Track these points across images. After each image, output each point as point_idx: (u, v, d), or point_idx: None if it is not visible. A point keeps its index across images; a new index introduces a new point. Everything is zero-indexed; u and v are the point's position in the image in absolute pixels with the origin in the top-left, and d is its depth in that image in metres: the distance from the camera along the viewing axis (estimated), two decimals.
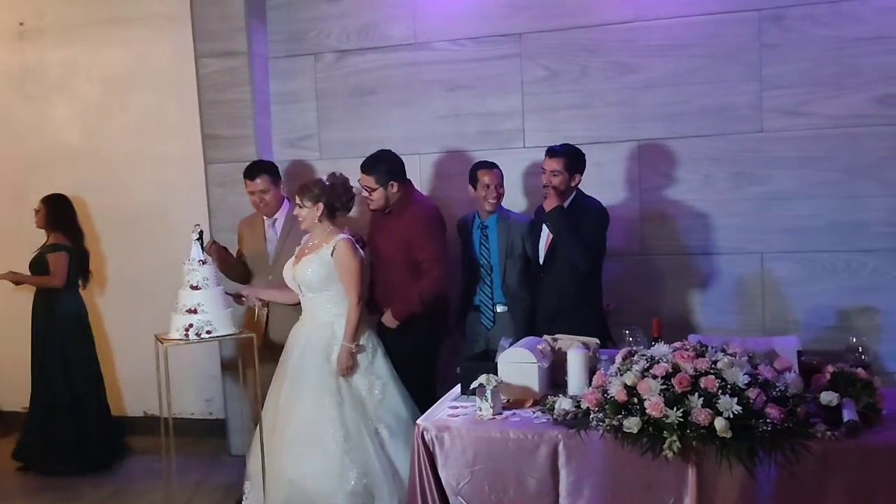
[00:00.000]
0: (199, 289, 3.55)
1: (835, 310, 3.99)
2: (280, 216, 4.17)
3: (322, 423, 3.50)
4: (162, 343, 3.54)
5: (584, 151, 3.66)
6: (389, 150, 3.91)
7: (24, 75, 5.42)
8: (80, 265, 4.82)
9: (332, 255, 3.57)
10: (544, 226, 3.69)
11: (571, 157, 3.60)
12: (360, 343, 3.62)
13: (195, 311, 3.51)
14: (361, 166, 3.86)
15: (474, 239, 3.98)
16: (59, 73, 5.36)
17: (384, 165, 3.82)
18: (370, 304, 3.92)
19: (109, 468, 4.68)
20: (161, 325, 3.63)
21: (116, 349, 5.34)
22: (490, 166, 3.92)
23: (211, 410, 5.20)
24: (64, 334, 4.73)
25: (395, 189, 3.83)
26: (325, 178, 3.68)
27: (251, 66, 4.63)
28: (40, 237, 5.41)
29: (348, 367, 3.56)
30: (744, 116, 4.07)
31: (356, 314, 3.58)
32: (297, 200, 3.62)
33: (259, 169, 4.12)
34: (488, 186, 3.88)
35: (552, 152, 3.64)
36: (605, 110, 4.25)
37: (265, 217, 4.18)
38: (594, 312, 3.66)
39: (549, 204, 3.59)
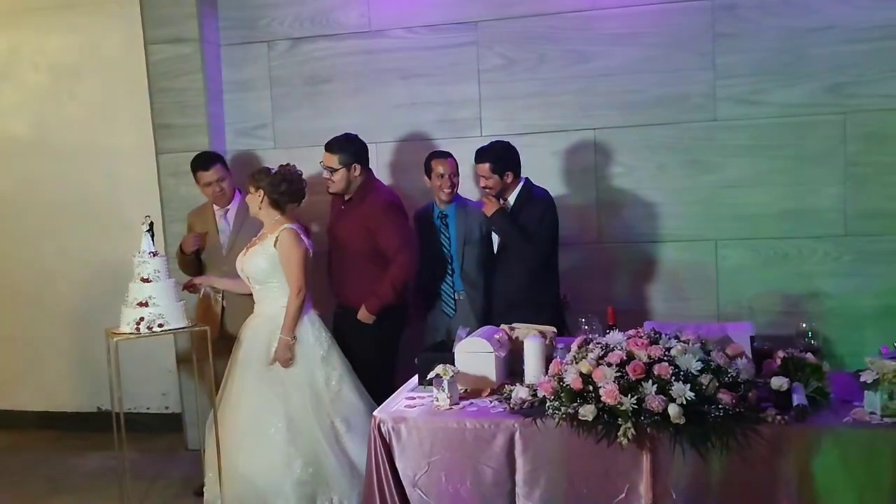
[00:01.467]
0: (150, 281, 3.47)
1: (786, 295, 4.07)
2: (232, 207, 4.11)
3: (265, 414, 3.50)
4: (112, 338, 3.46)
5: (511, 144, 3.66)
6: (356, 135, 3.88)
7: None
8: None
9: (275, 245, 3.56)
10: None
11: (496, 159, 3.61)
12: (296, 336, 3.57)
13: (146, 305, 3.43)
14: (326, 145, 3.81)
15: (436, 229, 3.96)
16: (2, 60, 5.18)
17: (350, 147, 3.80)
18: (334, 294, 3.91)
19: None
20: (115, 319, 3.55)
21: (66, 344, 5.21)
22: (444, 156, 3.91)
23: (167, 404, 5.12)
24: None
25: (357, 172, 3.80)
26: (275, 167, 3.67)
27: (203, 53, 4.53)
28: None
29: (287, 359, 3.53)
30: (698, 105, 4.11)
31: (296, 305, 3.56)
32: (248, 187, 3.64)
33: (213, 158, 4.07)
34: (442, 176, 3.87)
35: (477, 156, 3.67)
36: (562, 98, 4.26)
37: (217, 208, 4.11)
38: (549, 302, 3.68)
39: (489, 209, 3.65)
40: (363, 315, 3.80)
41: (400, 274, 3.76)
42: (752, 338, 2.80)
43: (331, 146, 3.80)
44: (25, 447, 5.00)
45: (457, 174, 3.89)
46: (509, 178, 3.61)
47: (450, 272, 3.94)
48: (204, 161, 4.05)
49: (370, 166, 3.93)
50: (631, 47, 4.16)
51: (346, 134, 3.87)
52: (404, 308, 3.97)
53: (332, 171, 3.79)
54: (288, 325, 3.54)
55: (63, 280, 5.17)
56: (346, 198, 3.89)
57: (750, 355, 2.66)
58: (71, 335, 5.17)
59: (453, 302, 3.94)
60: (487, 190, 3.64)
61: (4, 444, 5.06)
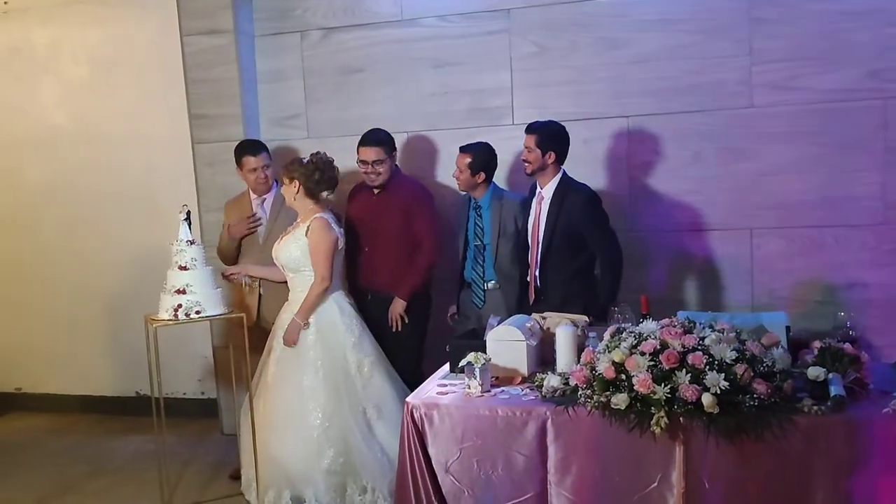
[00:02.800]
0: (188, 269, 3.54)
1: (823, 285, 4.00)
2: (269, 196, 4.16)
3: (302, 402, 3.55)
4: (151, 324, 3.53)
5: (565, 130, 3.62)
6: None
7: (11, 56, 5.35)
8: None
9: (306, 234, 3.61)
10: (534, 204, 3.67)
11: (545, 135, 3.57)
12: (309, 322, 3.63)
13: (184, 292, 3.50)
14: (368, 140, 3.91)
15: (469, 218, 3.99)
16: (45, 53, 5.29)
17: (389, 138, 3.97)
18: (356, 284, 3.99)
19: None
20: (152, 306, 3.62)
21: (107, 331, 5.32)
22: (462, 149, 3.91)
23: (203, 390, 5.21)
24: None
25: (394, 163, 3.99)
26: (307, 156, 3.71)
27: (237, 43, 4.59)
28: (34, 222, 5.39)
29: (293, 341, 3.59)
30: (733, 92, 4.04)
31: (316, 293, 3.61)
32: (281, 177, 3.69)
33: (259, 145, 4.14)
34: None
35: (527, 128, 3.64)
36: (595, 86, 4.22)
37: (254, 196, 4.16)
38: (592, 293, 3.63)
39: None
40: (398, 306, 3.90)
41: (428, 259, 3.92)
42: (787, 328, 2.77)
43: (375, 140, 3.92)
44: (68, 430, 5.14)
45: (470, 168, 3.86)
46: (550, 159, 3.57)
47: (480, 262, 3.95)
48: (252, 146, 4.11)
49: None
50: (665, 34, 4.11)
51: (378, 129, 3.98)
52: (430, 294, 4.07)
53: (379, 162, 3.90)
54: (304, 309, 3.60)
55: (103, 267, 5.28)
56: (376, 189, 3.98)
57: (786, 345, 2.63)
58: (111, 321, 5.29)
59: (482, 293, 3.95)
60: (527, 164, 3.62)
61: (48, 427, 5.21)
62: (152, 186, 5.09)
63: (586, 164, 4.20)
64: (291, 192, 3.68)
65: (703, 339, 2.46)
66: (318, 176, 3.65)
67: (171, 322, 3.50)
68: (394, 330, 3.93)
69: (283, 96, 4.72)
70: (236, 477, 3.93)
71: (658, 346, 2.46)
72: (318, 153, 3.72)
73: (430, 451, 2.63)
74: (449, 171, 4.08)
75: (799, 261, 4.04)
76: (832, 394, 2.38)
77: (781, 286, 4.08)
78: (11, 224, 5.45)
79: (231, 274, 3.89)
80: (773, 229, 4.06)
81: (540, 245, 3.61)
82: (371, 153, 3.90)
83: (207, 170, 4.70)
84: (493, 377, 2.78)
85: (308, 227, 3.63)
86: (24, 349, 5.52)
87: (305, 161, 3.68)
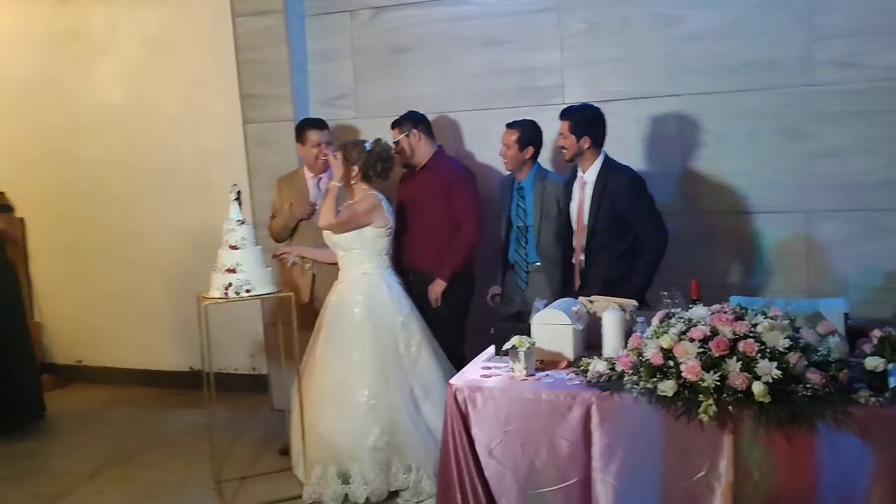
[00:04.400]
0: (238, 248, 3.59)
1: (885, 271, 3.85)
2: (325, 176, 4.18)
3: (349, 380, 3.58)
4: (202, 302, 3.61)
5: (601, 113, 3.54)
6: (414, 110, 4.12)
7: (69, 38, 5.48)
8: None
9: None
10: (576, 188, 3.62)
11: (579, 120, 3.51)
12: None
13: (234, 271, 3.55)
14: (391, 125, 4.02)
15: (512, 199, 3.96)
16: (102, 34, 5.41)
17: (405, 118, 4.05)
18: (399, 264, 4.03)
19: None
20: (203, 283, 3.70)
21: (161, 307, 5.47)
22: (509, 125, 3.88)
23: (254, 366, 5.32)
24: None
25: (417, 139, 4.00)
26: (369, 142, 3.73)
27: (287, 24, 4.61)
28: (92, 200, 5.54)
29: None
30: (792, 69, 3.90)
31: (321, 224, 3.66)
32: (338, 155, 3.71)
33: (325, 122, 4.19)
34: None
35: (561, 114, 3.59)
36: (647, 64, 4.12)
37: (310, 175, 4.19)
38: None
39: None
40: (437, 286, 3.92)
41: (469, 239, 3.92)
42: (845, 315, 2.68)
43: (392, 124, 4.06)
44: (125, 402, 5.32)
45: (518, 144, 3.83)
46: (586, 144, 3.51)
47: (523, 243, 3.92)
48: (317, 121, 4.18)
49: (435, 140, 4.09)
50: (720, 9, 3.97)
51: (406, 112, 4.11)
52: (472, 275, 4.07)
53: (397, 143, 3.99)
54: (329, 198, 3.64)
55: (158, 245, 5.42)
56: (418, 168, 4.05)
57: (843, 333, 2.55)
58: (166, 298, 5.43)
59: (525, 275, 3.93)
60: (564, 150, 3.57)
61: (107, 399, 5.40)
62: (204, 166, 5.18)
63: (638, 144, 4.14)
64: (347, 175, 3.70)
65: (754, 325, 2.40)
66: (379, 167, 3.69)
67: (221, 300, 3.56)
68: (434, 307, 3.93)
69: (332, 76, 4.74)
70: (285, 452, 4.02)
71: (708, 333, 2.40)
72: (379, 141, 3.75)
73: (474, 433, 2.62)
74: (496, 151, 4.04)
75: (859, 245, 3.89)
76: (891, 385, 2.30)
77: (840, 272, 3.94)
78: (71, 203, 5.63)
79: (282, 253, 3.94)
80: (833, 212, 3.92)
81: (585, 229, 3.56)
82: (392, 136, 4.00)
83: (258, 149, 4.76)
84: (537, 361, 2.76)
85: (359, 200, 3.68)
86: (84, 324, 5.72)
87: (368, 148, 3.69)
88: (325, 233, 3.77)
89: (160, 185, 5.32)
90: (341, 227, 3.64)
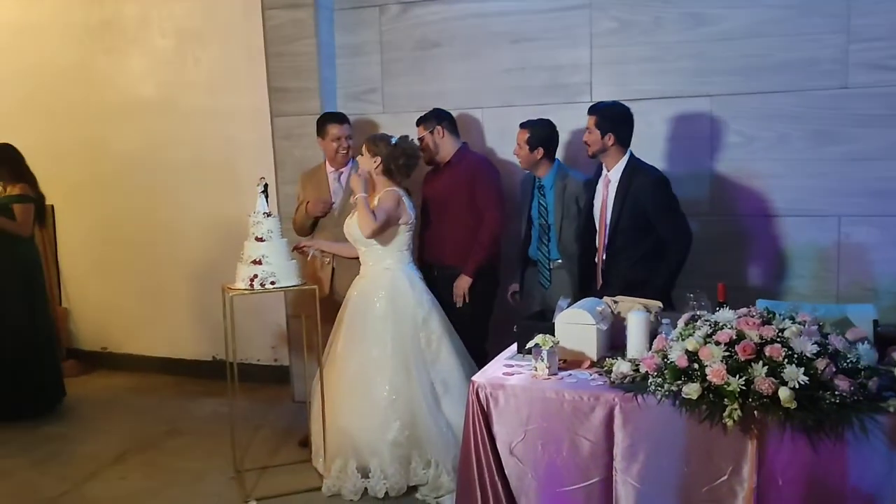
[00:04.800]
0: (264, 241, 3.61)
1: None
2: (346, 169, 4.20)
3: (370, 374, 3.60)
4: (228, 292, 3.64)
5: (629, 112, 3.50)
6: (439, 108, 4.13)
7: (103, 28, 5.55)
8: (39, 214, 4.85)
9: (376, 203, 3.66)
10: (600, 186, 3.59)
11: (605, 116, 3.47)
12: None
13: (260, 263, 3.58)
14: (416, 122, 4.04)
15: (533, 197, 3.96)
16: (134, 25, 5.47)
17: (431, 115, 4.05)
18: (422, 259, 4.06)
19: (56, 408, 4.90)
20: (228, 274, 3.73)
21: (186, 296, 5.52)
22: (522, 125, 3.86)
23: (276, 357, 5.36)
24: (28, 280, 4.79)
25: (441, 136, 4.00)
26: (396, 137, 3.74)
27: (317, 17, 4.62)
28: (120, 189, 5.61)
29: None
30: (827, 71, 3.84)
31: (363, 224, 3.59)
32: (363, 149, 3.73)
33: (345, 116, 4.21)
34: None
35: (589, 109, 3.55)
36: (678, 64, 4.08)
37: (331, 170, 4.21)
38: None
39: None
40: (463, 282, 3.91)
41: (490, 231, 3.92)
42: (874, 322, 2.63)
43: (417, 121, 4.07)
44: (149, 390, 5.38)
45: (529, 143, 3.82)
46: (610, 141, 3.47)
47: (545, 241, 3.91)
48: (337, 115, 4.20)
49: (459, 137, 4.10)
50: (754, 9, 3.93)
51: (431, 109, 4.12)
52: (497, 271, 4.06)
53: (421, 139, 4.01)
54: (361, 206, 3.58)
55: (183, 235, 5.47)
56: (442, 164, 4.07)
57: (872, 340, 2.50)
58: (191, 288, 5.49)
59: (549, 272, 3.91)
60: (587, 145, 3.54)
61: (131, 386, 5.47)
62: (232, 158, 5.22)
63: (666, 144, 4.10)
64: (371, 166, 3.72)
65: (782, 330, 2.36)
66: (402, 161, 3.70)
67: (246, 291, 3.59)
68: (458, 306, 3.93)
69: (360, 70, 4.75)
70: (305, 444, 4.04)
71: (734, 337, 2.37)
72: (406, 138, 3.77)
73: (495, 430, 2.61)
74: None
75: (891, 251, 3.83)
76: None
77: (870, 277, 3.88)
78: (99, 191, 5.70)
79: (303, 246, 3.96)
80: (865, 217, 3.86)
81: (607, 228, 3.54)
82: (417, 133, 4.02)
83: (285, 143, 4.78)
84: (561, 360, 2.74)
85: (380, 197, 3.67)
86: (110, 311, 5.80)
87: (394, 143, 3.71)
88: (346, 228, 3.78)
89: (188, 176, 5.37)
90: (382, 230, 3.64)
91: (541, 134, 3.83)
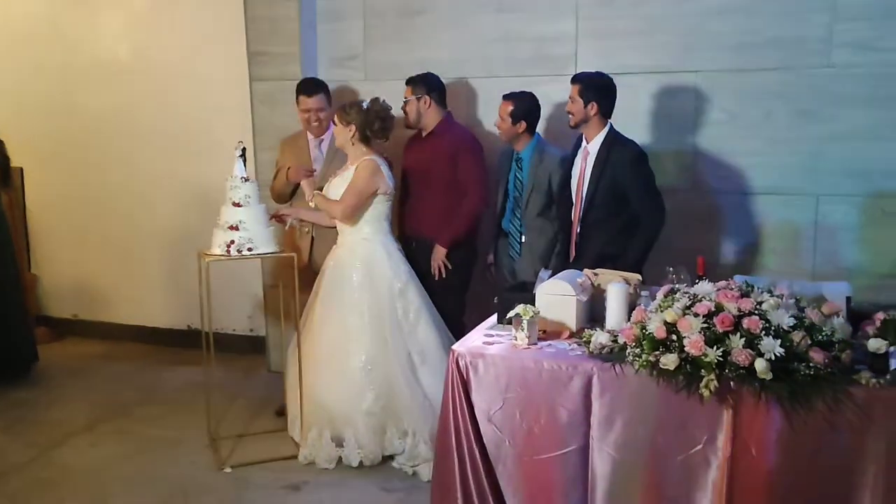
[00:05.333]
0: (241, 206, 3.56)
1: (892, 257, 3.83)
2: (326, 137, 4.15)
3: (345, 344, 3.59)
4: (204, 258, 3.58)
5: (613, 83, 3.49)
6: (434, 74, 4.01)
7: None
8: (3, 174, 4.73)
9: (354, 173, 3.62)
10: (579, 158, 3.58)
11: (589, 85, 3.45)
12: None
13: (237, 228, 3.53)
14: (406, 80, 3.97)
15: (511, 170, 3.95)
16: None
17: (423, 80, 3.96)
18: (402, 231, 4.03)
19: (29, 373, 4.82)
20: (205, 242, 3.67)
21: (160, 264, 5.45)
22: (505, 97, 3.84)
23: (251, 327, 5.31)
24: None
25: (427, 105, 3.94)
26: (366, 101, 3.67)
27: None
28: (93, 153, 5.48)
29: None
30: (811, 50, 3.84)
31: (333, 214, 3.65)
32: (335, 118, 3.69)
33: (318, 86, 4.10)
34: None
35: (572, 78, 3.54)
36: (665, 38, 4.06)
37: (311, 137, 4.15)
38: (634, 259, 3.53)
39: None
40: (439, 253, 3.89)
41: (473, 208, 3.88)
42: (848, 298, 2.66)
43: (407, 80, 3.98)
44: (121, 358, 5.31)
45: (512, 116, 3.80)
46: (592, 110, 3.45)
47: (518, 214, 3.91)
48: (309, 86, 4.09)
49: (446, 107, 4.03)
50: None
51: (425, 73, 4.00)
52: (475, 245, 4.05)
53: (406, 102, 3.94)
54: (320, 199, 3.66)
55: (158, 201, 5.38)
56: (425, 134, 4.00)
57: (846, 316, 2.53)
58: (165, 255, 5.41)
59: (518, 245, 3.92)
60: (570, 115, 3.52)
61: (103, 354, 5.40)
62: (209, 122, 5.12)
63: (650, 119, 4.09)
64: (346, 135, 3.67)
65: (760, 303, 2.38)
66: (377, 125, 3.64)
67: (223, 257, 3.54)
68: (437, 278, 3.91)
69: (342, 36, 4.66)
70: (281, 413, 4.03)
71: (713, 309, 2.38)
72: (377, 100, 3.70)
73: (474, 399, 2.62)
74: None
75: (868, 231, 3.87)
76: (892, 367, 2.29)
77: (846, 256, 3.92)
78: (71, 155, 5.57)
79: (282, 214, 3.91)
80: (843, 196, 3.89)
81: (583, 201, 3.54)
82: (405, 93, 3.95)
83: (264, 108, 4.70)
84: (540, 331, 2.74)
85: (356, 167, 3.62)
86: (81, 277, 5.70)
87: (365, 107, 3.65)
88: (324, 194, 3.73)
89: (163, 140, 5.27)
90: (355, 209, 3.62)
91: (525, 107, 3.81)
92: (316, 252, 4.09)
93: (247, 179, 3.60)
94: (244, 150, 3.63)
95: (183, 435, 3.96)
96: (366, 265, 3.65)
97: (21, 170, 5.68)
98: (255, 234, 3.56)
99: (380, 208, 3.70)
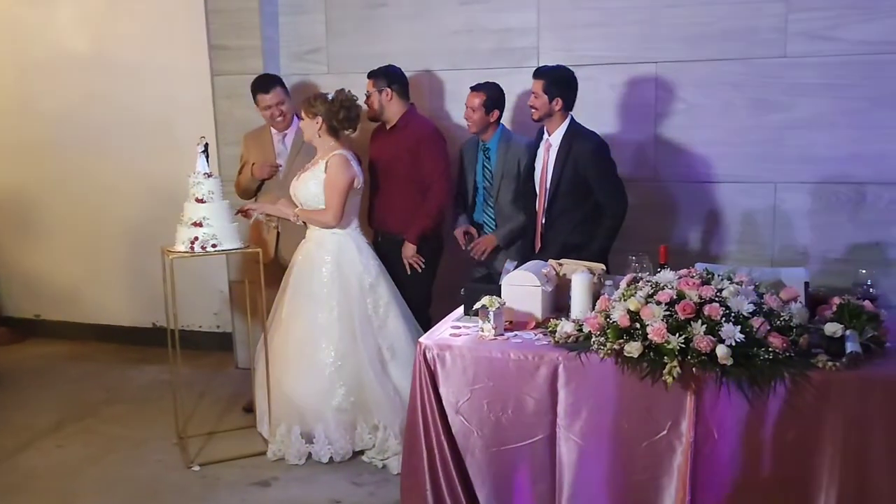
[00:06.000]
0: (205, 202, 3.52)
1: (847, 243, 3.93)
2: (290, 131, 4.12)
3: (315, 339, 3.57)
4: (167, 255, 3.54)
5: (574, 76, 3.52)
6: (396, 66, 4.01)
7: None
8: None
9: (325, 170, 3.59)
10: (541, 150, 3.61)
11: (553, 80, 3.48)
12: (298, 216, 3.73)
13: (200, 225, 3.49)
14: (367, 74, 3.95)
15: (478, 161, 3.95)
16: None
17: (384, 73, 3.95)
18: (368, 224, 4.03)
19: None
20: (168, 238, 3.63)
21: (124, 261, 5.37)
22: (474, 88, 3.85)
23: (218, 324, 5.27)
24: None
25: (389, 98, 3.92)
26: (331, 93, 3.65)
27: None
28: (52, 149, 5.37)
29: (266, 212, 3.80)
30: (767, 40, 3.91)
31: (323, 221, 3.64)
32: (301, 112, 3.65)
33: (272, 81, 4.06)
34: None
35: (535, 73, 3.56)
36: (625, 29, 4.10)
37: (275, 132, 4.12)
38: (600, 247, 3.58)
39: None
40: (408, 249, 3.89)
41: (437, 201, 3.88)
42: (806, 284, 2.72)
43: (369, 73, 3.97)
44: (85, 357, 5.23)
45: (484, 108, 3.81)
46: (557, 106, 3.49)
47: (491, 204, 3.93)
48: (264, 83, 4.05)
49: (413, 101, 4.03)
50: None
51: (387, 65, 3.99)
52: (441, 237, 4.05)
53: (368, 95, 3.93)
54: (305, 215, 3.67)
55: (119, 197, 5.29)
56: (388, 127, 3.99)
57: (804, 301, 2.60)
58: (129, 252, 5.32)
59: None
60: (533, 110, 3.55)
61: (66, 354, 5.31)
62: (170, 117, 5.05)
63: (611, 110, 4.13)
64: (313, 128, 3.64)
65: (720, 290, 2.43)
66: (342, 115, 3.61)
67: (186, 254, 3.50)
68: (408, 273, 3.92)
69: (305, 29, 4.63)
70: (250, 409, 4.00)
71: (674, 296, 2.43)
72: (342, 90, 3.68)
73: (442, 391, 2.64)
74: None
75: (824, 217, 3.96)
76: (848, 350, 2.35)
77: (804, 242, 4.01)
78: (29, 151, 5.45)
79: (248, 209, 3.88)
80: (800, 184, 3.97)
81: (547, 192, 3.57)
82: (367, 86, 3.94)
83: (226, 102, 4.65)
84: (506, 321, 2.77)
85: (327, 163, 3.60)
86: (43, 277, 5.60)
87: (330, 98, 3.63)
88: (292, 189, 3.71)
89: (124, 136, 5.18)
90: (342, 210, 3.60)
91: (496, 96, 3.83)
92: (282, 246, 4.07)
93: (209, 175, 3.57)
94: (206, 145, 3.59)
95: (150, 434, 3.92)
96: (335, 259, 3.63)
97: None
98: (220, 231, 3.52)
99: (350, 201, 3.68)
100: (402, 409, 3.36)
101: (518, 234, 3.83)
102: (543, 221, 3.61)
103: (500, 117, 3.88)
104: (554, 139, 3.55)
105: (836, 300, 2.56)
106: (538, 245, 3.65)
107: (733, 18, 3.93)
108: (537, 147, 3.66)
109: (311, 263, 3.66)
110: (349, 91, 3.68)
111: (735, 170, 4.06)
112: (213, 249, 3.51)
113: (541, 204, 3.63)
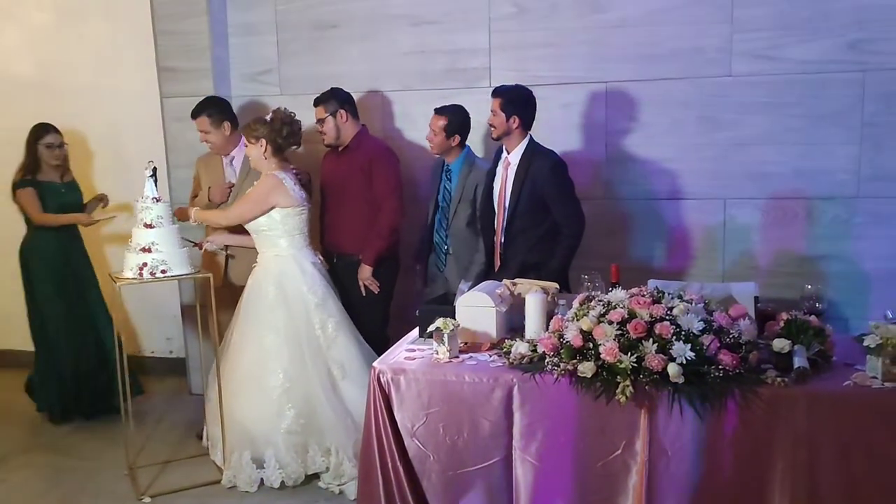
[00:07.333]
0: (154, 227, 3.46)
1: (794, 257, 4.02)
2: (237, 154, 4.08)
3: (263, 363, 3.54)
4: (115, 282, 3.46)
5: (532, 95, 3.56)
6: (339, 88, 3.99)
7: None
8: None
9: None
10: (500, 169, 3.63)
11: (511, 99, 3.51)
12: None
13: (149, 250, 3.43)
14: (313, 102, 3.91)
15: (441, 182, 3.95)
16: None
17: (332, 96, 3.92)
18: (323, 246, 4.01)
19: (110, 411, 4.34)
20: (117, 264, 3.55)
21: None
22: (438, 111, 3.85)
23: (171, 349, 5.16)
24: None
25: (344, 119, 3.90)
26: (269, 115, 3.65)
27: None
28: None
29: (186, 213, 3.84)
30: (713, 60, 3.99)
31: (217, 222, 3.75)
32: (245, 141, 3.64)
33: (200, 108, 4.03)
34: (430, 130, 3.88)
35: (493, 92, 3.59)
36: (575, 49, 4.15)
37: (222, 156, 4.08)
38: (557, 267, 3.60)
39: None
40: (365, 272, 3.87)
41: (388, 221, 3.86)
42: (755, 298, 2.77)
43: (316, 101, 3.93)
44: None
45: (445, 131, 3.81)
46: (514, 124, 3.51)
47: (445, 226, 3.93)
48: (195, 109, 4.04)
49: (359, 119, 4.02)
50: None
51: (329, 89, 3.97)
52: (397, 256, 4.04)
53: (321, 122, 3.90)
54: (202, 216, 3.73)
55: None
56: (340, 149, 3.98)
57: (753, 316, 2.64)
58: None
59: (444, 256, 3.94)
60: (492, 128, 3.57)
61: (8, 384, 5.09)
62: (119, 140, 4.96)
63: (563, 129, 4.17)
64: (258, 152, 3.61)
65: (671, 309, 2.46)
66: (286, 131, 3.60)
67: (135, 281, 3.43)
68: (364, 294, 3.89)
69: (256, 50, 4.60)
70: (202, 436, 3.91)
71: (626, 316, 2.45)
72: (278, 109, 3.66)
73: (397, 415, 2.61)
74: (423, 133, 4.00)
75: (772, 232, 4.04)
76: (795, 365, 2.39)
77: (753, 257, 4.09)
78: None
79: (207, 242, 3.83)
80: (748, 200, 4.06)
81: (506, 211, 3.58)
82: (315, 113, 3.93)
83: (177, 125, 4.58)
84: (462, 343, 2.76)
85: (258, 180, 3.62)
86: None
87: (269, 119, 3.60)
88: None
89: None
90: (241, 216, 3.61)
91: (458, 121, 3.82)
92: (231, 270, 4.02)
93: (158, 200, 3.51)
94: (155, 169, 3.53)
95: (100, 465, 3.82)
96: (278, 281, 3.60)
97: None
98: (169, 256, 3.46)
99: (291, 223, 3.64)
100: (356, 430, 3.32)
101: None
102: (503, 240, 3.62)
103: (462, 142, 3.87)
104: (513, 158, 3.57)
105: (784, 316, 2.61)
106: (497, 264, 3.66)
107: (680, 39, 4.02)
108: (496, 167, 3.67)
109: (257, 287, 3.63)
110: (285, 108, 3.67)
111: (685, 187, 4.13)
112: (162, 276, 3.45)
113: (499, 222, 3.64)
